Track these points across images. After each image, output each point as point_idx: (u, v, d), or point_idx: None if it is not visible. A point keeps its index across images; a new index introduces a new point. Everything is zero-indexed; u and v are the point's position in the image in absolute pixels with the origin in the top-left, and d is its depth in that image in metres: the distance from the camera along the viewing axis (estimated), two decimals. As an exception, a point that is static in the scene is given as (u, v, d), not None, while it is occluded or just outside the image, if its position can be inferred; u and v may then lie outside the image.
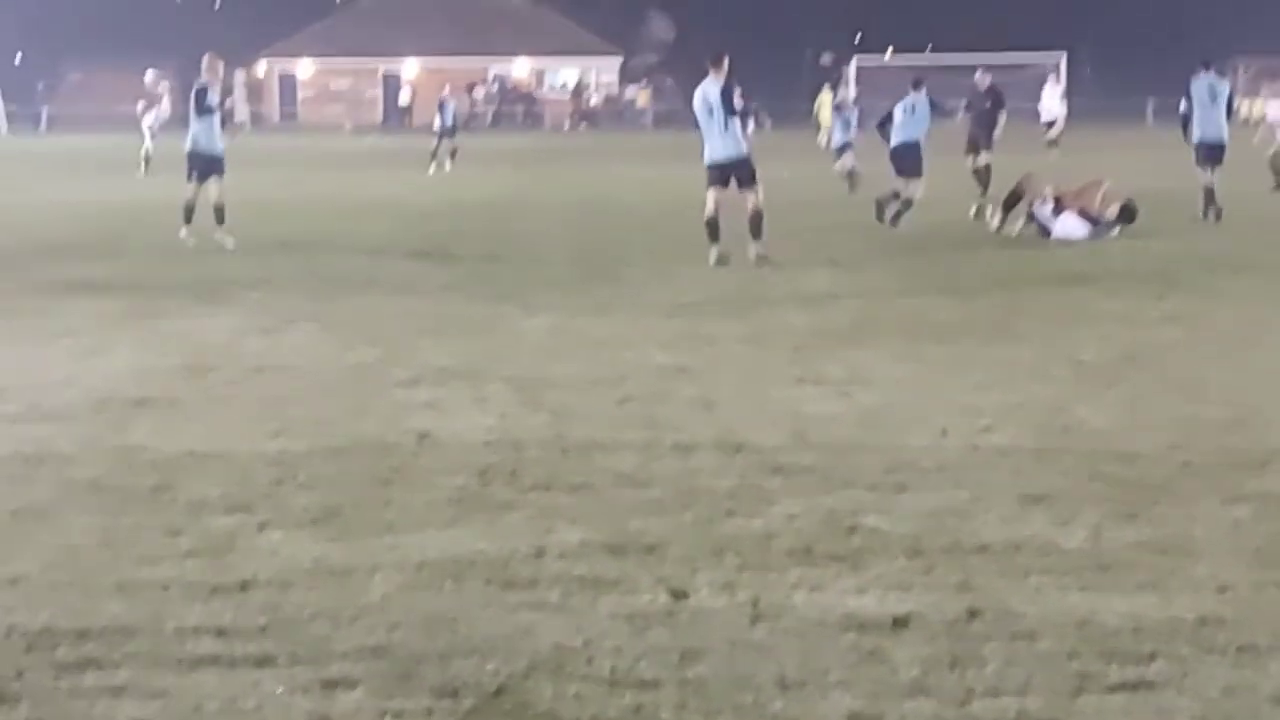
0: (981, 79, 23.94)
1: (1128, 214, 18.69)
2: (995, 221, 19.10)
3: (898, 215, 19.90)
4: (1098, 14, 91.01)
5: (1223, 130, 20.41)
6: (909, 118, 20.51)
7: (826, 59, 69.51)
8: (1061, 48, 63.66)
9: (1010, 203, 19.15)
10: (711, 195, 16.18)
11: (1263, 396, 8.92)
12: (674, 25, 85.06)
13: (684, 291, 13.97)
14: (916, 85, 20.82)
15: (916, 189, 20.10)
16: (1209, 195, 20.16)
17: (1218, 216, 19.83)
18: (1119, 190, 19.12)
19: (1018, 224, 18.89)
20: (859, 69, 64.24)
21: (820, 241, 17.58)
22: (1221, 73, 21.40)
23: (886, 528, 6.41)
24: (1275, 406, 8.65)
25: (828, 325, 11.91)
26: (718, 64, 16.20)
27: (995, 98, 23.66)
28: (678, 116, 74.71)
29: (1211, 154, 20.30)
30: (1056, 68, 56.53)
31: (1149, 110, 68.03)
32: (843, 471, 7.32)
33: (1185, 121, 20.84)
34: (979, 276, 15.00)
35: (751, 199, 16.07)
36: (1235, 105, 26.49)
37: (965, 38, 62.17)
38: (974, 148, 23.17)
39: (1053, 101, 42.44)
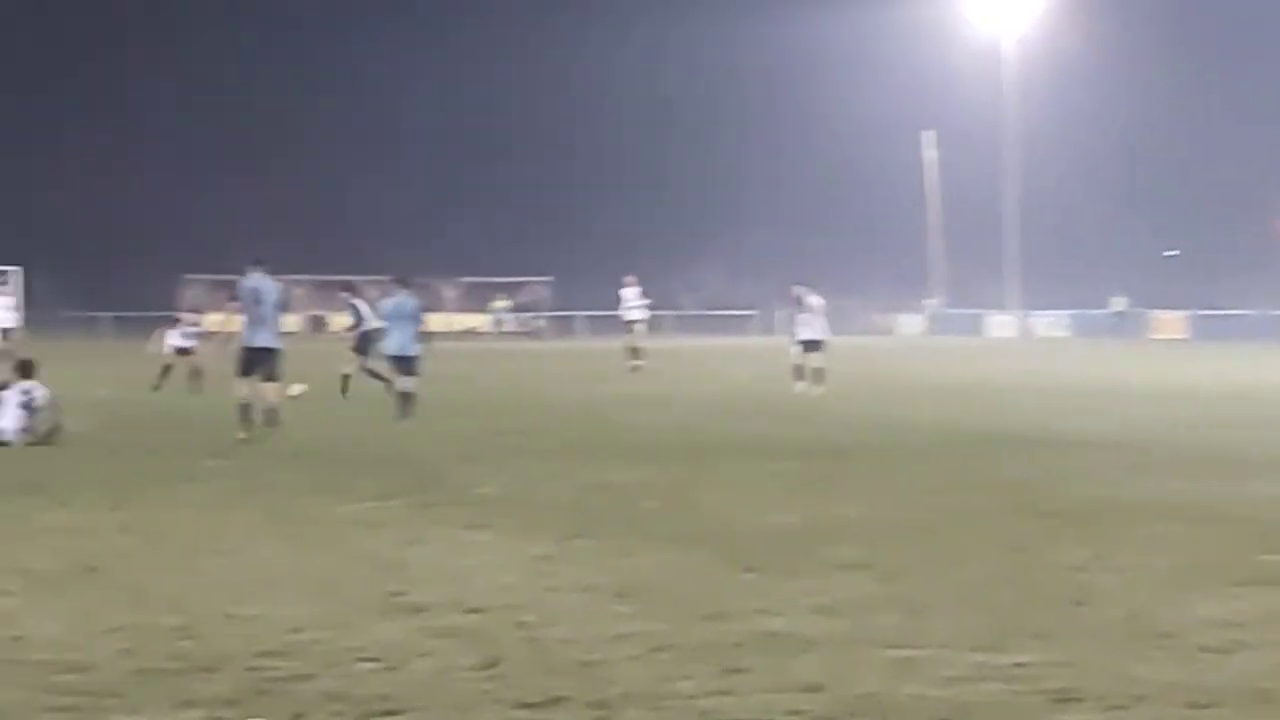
0: None
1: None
2: None
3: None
4: (54, 231, 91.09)
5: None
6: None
7: None
8: (17, 262, 63.10)
9: None
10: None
11: (208, 603, 9.02)
12: None
13: None
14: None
15: None
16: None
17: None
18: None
19: None
20: None
21: None
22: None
23: None
24: (219, 613, 8.75)
25: None
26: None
27: None
28: None
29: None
30: (5, 279, 57.54)
31: (104, 323, 70.80)
32: None
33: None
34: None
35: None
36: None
37: None
38: None
39: (5, 312, 44.06)
